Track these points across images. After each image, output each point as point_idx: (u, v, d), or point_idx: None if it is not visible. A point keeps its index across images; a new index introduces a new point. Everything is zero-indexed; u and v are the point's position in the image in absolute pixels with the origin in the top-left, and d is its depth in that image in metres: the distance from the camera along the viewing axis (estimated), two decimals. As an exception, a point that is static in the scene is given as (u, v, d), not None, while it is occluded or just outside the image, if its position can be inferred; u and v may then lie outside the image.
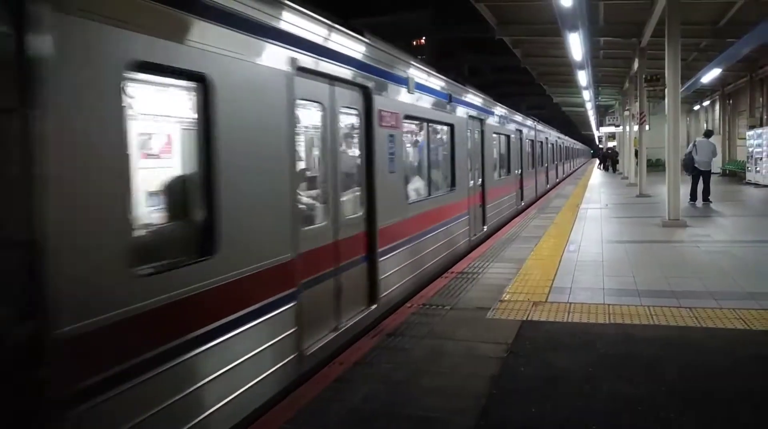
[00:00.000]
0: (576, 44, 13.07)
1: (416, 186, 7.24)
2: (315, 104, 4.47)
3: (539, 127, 20.75)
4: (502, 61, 35.66)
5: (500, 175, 12.59)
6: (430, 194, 7.48)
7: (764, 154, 19.64)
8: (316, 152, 4.81)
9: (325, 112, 4.53)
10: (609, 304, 5.60)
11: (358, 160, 5.27)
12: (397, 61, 6.22)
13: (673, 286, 6.22)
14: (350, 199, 5.10)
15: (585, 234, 10.31)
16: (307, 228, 4.22)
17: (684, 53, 15.23)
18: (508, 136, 13.46)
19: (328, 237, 4.50)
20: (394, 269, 5.79)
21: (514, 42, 19.02)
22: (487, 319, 5.28)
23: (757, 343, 4.35)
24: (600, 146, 60.16)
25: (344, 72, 4.77)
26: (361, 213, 5.14)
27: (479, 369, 4.06)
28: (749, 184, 20.86)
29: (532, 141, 18.09)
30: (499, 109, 12.69)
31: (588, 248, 8.80)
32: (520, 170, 15.11)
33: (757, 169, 20.36)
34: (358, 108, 5.14)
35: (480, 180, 10.28)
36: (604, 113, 42.09)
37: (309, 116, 4.61)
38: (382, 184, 5.40)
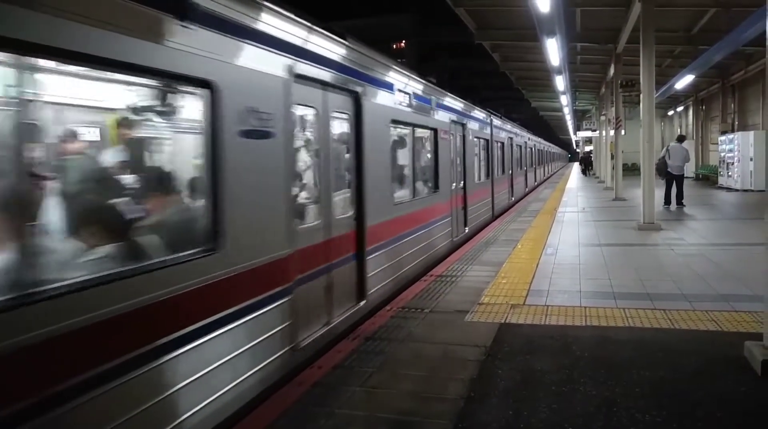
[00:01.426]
0: (553, 49, 13.22)
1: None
2: None
3: (498, 122, 15.73)
4: (483, 66, 35.97)
5: (414, 195, 8.00)
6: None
7: (736, 158, 20.09)
8: None
9: None
10: (586, 307, 5.67)
11: None
12: None
13: (648, 289, 6.31)
14: None
15: (562, 237, 10.44)
16: None
17: (658, 59, 15.58)
18: (435, 131, 8.93)
19: None
20: None
21: (493, 47, 19.22)
22: (466, 322, 5.30)
23: (729, 344, 4.43)
24: (577, 150, 61.14)
25: None
26: None
27: (457, 372, 4.07)
28: (721, 188, 21.34)
29: (487, 141, 13.88)
30: (414, 85, 7.83)
31: (565, 251, 8.90)
32: (462, 183, 10.82)
33: (729, 173, 20.82)
34: None
35: (352, 212, 5.55)
36: (581, 118, 42.70)
37: None
38: None
